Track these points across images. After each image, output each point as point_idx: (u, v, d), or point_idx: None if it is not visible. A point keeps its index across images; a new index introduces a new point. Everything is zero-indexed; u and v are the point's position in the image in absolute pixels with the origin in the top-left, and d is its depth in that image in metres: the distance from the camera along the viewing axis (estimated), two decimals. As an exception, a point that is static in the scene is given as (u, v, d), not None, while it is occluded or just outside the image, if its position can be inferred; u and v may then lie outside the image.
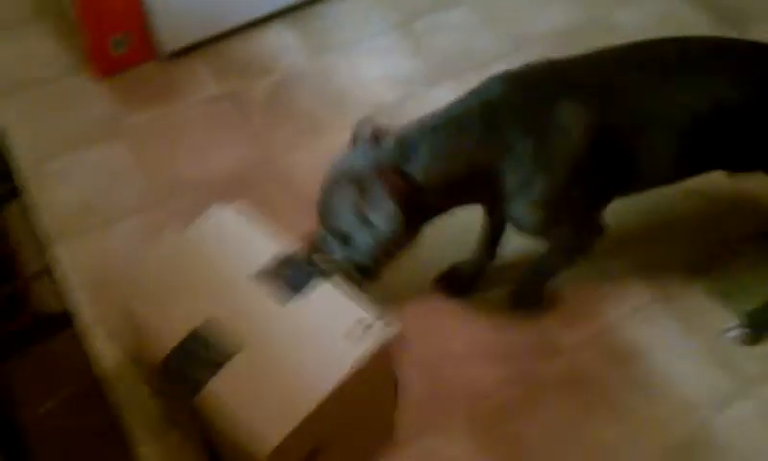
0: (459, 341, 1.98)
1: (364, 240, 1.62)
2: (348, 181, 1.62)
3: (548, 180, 1.60)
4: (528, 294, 2.00)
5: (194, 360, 1.46)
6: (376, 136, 1.63)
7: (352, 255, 1.66)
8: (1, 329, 1.99)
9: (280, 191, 2.28)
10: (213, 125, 2.44)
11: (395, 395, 1.71)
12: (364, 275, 1.67)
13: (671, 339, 1.99)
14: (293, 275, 1.55)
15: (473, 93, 1.67)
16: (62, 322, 2.01)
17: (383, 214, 1.57)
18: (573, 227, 1.76)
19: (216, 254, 1.61)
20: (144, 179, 2.31)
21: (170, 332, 1.50)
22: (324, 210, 1.68)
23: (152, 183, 2.30)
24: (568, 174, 1.60)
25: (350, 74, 2.59)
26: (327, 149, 2.37)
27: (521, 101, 1.61)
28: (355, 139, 1.68)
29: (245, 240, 1.62)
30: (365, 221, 1.59)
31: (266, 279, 1.55)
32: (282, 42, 2.68)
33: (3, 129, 2.40)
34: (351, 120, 2.43)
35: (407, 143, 1.61)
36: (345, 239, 1.65)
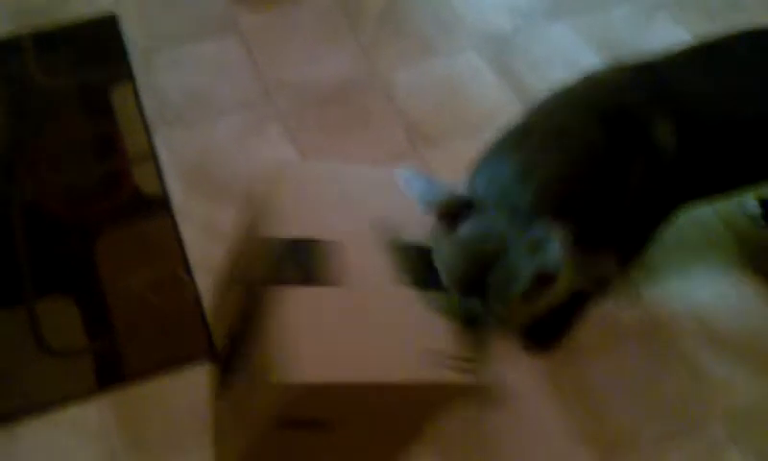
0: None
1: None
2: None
3: (640, 197, 1.52)
4: (549, 329, 1.88)
5: (299, 260, 1.43)
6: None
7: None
8: (99, 204, 2.07)
9: (381, 106, 2.28)
10: (324, 33, 2.45)
11: (418, 435, 1.60)
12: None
13: (755, 306, 1.95)
14: (427, 271, 1.45)
15: (556, 114, 1.53)
16: (158, 206, 2.07)
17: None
18: (635, 246, 1.67)
19: (383, 201, 1.55)
20: (251, 77, 2.34)
21: (300, 224, 1.46)
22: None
23: (258, 82, 2.33)
24: (658, 191, 1.53)
25: (468, -1, 2.57)
26: (434, 72, 2.39)
27: (617, 121, 1.49)
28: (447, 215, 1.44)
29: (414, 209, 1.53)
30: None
31: (405, 254, 1.48)
32: (401, -41, 2.66)
33: (120, 13, 2.46)
34: (463, 44, 2.44)
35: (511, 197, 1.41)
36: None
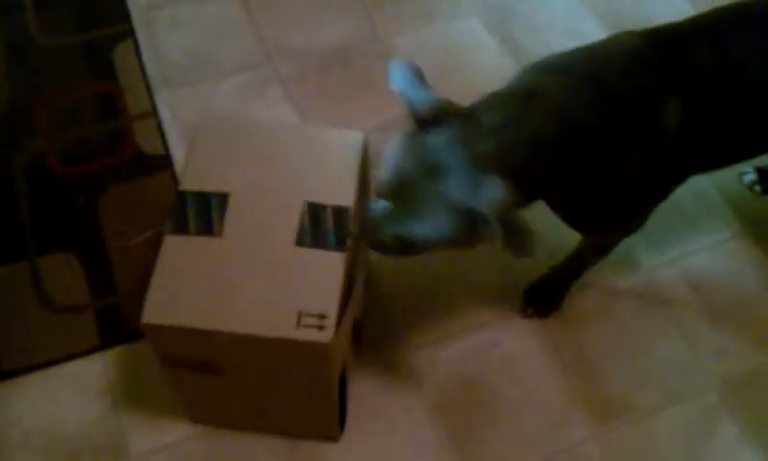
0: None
1: (438, 227, 1.34)
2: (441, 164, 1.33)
3: (642, 174, 1.50)
4: (548, 292, 1.92)
5: (193, 209, 1.51)
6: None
7: (412, 234, 1.37)
8: (101, 163, 2.07)
9: (382, 70, 2.25)
10: (327, -4, 2.46)
11: (329, 399, 1.63)
12: (403, 253, 1.44)
13: (751, 275, 1.97)
14: (327, 231, 1.50)
15: (566, 76, 1.44)
16: (159, 164, 2.08)
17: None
18: (635, 220, 1.66)
19: (298, 158, 1.60)
20: (252, 39, 2.34)
21: (210, 177, 1.55)
22: (405, 182, 1.36)
23: (259, 45, 2.33)
24: (661, 167, 1.51)
25: (470, -36, 2.56)
26: (436, 37, 2.39)
27: (631, 93, 1.43)
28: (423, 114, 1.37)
29: (334, 170, 1.58)
30: (453, 209, 1.33)
31: (309, 211, 1.52)
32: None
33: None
34: (465, 10, 2.44)
35: (500, 127, 1.35)
36: (412, 218, 1.37)
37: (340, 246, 1.49)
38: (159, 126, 2.14)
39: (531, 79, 1.45)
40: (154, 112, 2.17)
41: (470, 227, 1.32)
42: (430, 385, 1.81)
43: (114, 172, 2.06)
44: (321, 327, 1.41)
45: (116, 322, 1.84)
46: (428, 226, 1.34)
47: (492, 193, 1.28)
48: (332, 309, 1.43)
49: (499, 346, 1.86)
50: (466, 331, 1.87)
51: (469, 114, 1.37)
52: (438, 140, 1.34)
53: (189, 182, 1.55)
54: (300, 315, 1.41)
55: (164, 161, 2.08)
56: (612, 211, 1.57)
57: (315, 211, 1.52)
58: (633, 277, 1.96)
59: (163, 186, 2.03)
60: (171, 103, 2.19)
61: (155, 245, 1.91)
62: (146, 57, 2.28)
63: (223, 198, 1.53)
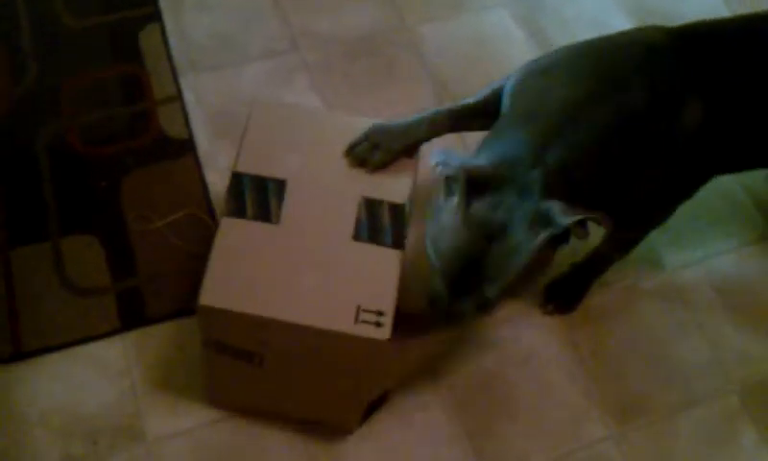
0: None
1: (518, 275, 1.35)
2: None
3: (660, 173, 1.49)
4: (569, 289, 1.90)
5: (251, 193, 1.52)
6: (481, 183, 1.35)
7: (493, 296, 1.38)
8: (124, 146, 2.07)
9: (408, 60, 2.27)
10: (352, -18, 2.44)
11: (361, 394, 1.64)
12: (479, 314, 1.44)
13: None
14: (384, 227, 1.51)
15: (594, 85, 1.42)
16: (183, 148, 2.08)
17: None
18: (656, 217, 1.66)
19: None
20: (279, 24, 2.33)
21: (262, 163, 1.55)
22: (468, 256, 1.36)
23: (286, 30, 2.32)
24: (681, 169, 1.51)
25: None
26: (463, 27, 2.38)
27: (645, 92, 1.41)
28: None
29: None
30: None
31: (366, 206, 1.53)
32: None
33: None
34: (494, 2, 2.42)
35: (532, 177, 1.34)
36: (490, 281, 1.37)
37: (396, 243, 1.49)
38: (184, 110, 2.14)
39: (544, 93, 1.44)
40: (179, 96, 2.17)
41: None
42: (447, 380, 1.80)
43: (138, 155, 2.06)
44: (378, 324, 1.41)
45: (137, 305, 1.84)
46: (508, 280, 1.34)
47: (561, 212, 1.29)
48: (389, 306, 1.42)
49: (518, 342, 1.85)
50: (485, 326, 1.86)
51: (498, 170, 1.35)
52: (488, 210, 1.33)
53: (245, 164, 1.56)
54: (358, 310, 1.41)
55: (188, 146, 2.08)
56: (629, 207, 1.56)
57: (371, 206, 1.52)
58: (656, 277, 1.95)
59: (186, 171, 2.03)
60: (196, 87, 2.19)
61: (176, 229, 1.94)
62: (172, 40, 2.27)
63: (280, 184, 1.53)
